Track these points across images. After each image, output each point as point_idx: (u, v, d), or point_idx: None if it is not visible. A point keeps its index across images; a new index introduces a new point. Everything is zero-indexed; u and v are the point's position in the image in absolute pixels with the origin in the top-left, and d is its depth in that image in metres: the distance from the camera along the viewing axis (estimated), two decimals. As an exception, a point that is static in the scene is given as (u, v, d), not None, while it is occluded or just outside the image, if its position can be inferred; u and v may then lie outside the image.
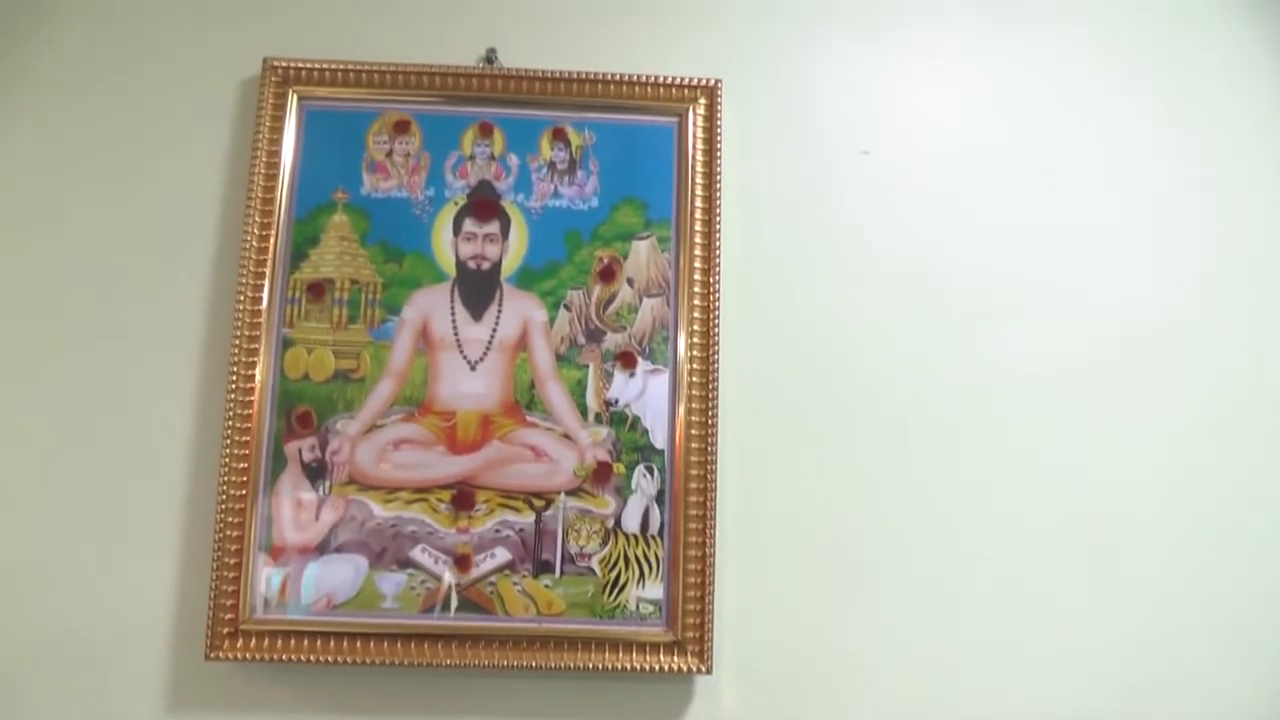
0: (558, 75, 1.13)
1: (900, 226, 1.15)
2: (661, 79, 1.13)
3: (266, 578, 1.03)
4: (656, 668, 1.02)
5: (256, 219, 1.10)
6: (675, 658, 1.02)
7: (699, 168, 1.11)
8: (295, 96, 1.13)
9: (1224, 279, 1.18)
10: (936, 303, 1.14)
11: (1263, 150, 1.20)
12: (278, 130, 1.12)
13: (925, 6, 1.21)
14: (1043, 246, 1.17)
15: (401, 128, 1.13)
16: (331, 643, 1.02)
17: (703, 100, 1.13)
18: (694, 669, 1.01)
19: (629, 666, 1.02)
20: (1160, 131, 1.20)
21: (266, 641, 1.02)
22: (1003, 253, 1.16)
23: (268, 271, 1.08)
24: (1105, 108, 1.20)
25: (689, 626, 1.02)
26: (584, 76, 1.13)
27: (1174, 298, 1.17)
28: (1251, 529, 1.12)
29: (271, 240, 1.09)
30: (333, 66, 1.13)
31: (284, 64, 1.13)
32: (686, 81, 1.13)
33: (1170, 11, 1.23)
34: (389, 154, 1.12)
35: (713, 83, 1.13)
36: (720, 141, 1.12)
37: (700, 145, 1.12)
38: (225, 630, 1.01)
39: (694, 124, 1.12)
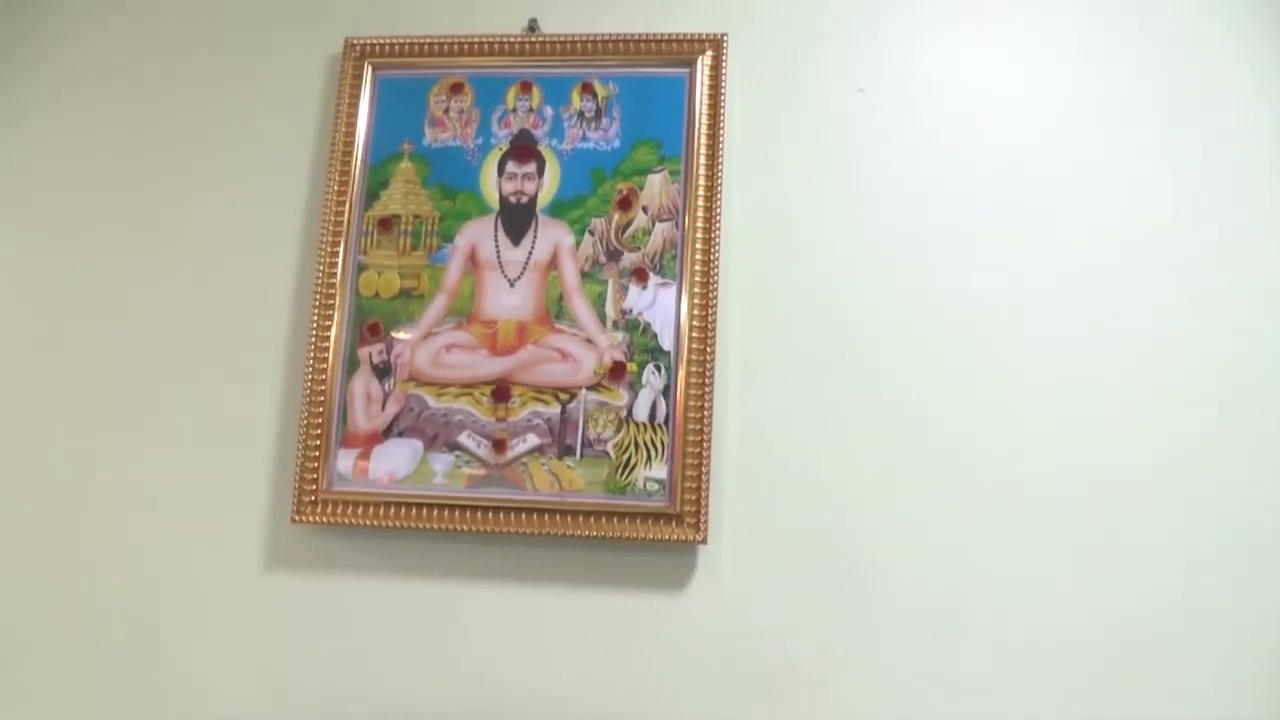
0: (586, 38, 1.37)
1: (892, 155, 1.33)
2: (673, 36, 1.35)
3: (342, 457, 1.29)
4: (660, 537, 1.22)
5: (338, 168, 1.38)
6: (676, 528, 1.22)
7: (705, 110, 1.32)
8: (370, 68, 1.41)
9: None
10: (924, 232, 1.31)
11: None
12: (355, 96, 1.40)
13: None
14: (1042, 185, 1.31)
15: (456, 89, 1.39)
16: (392, 510, 1.27)
17: (710, 52, 1.34)
18: (692, 539, 1.21)
19: (636, 536, 1.23)
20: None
21: (341, 508, 1.28)
22: (993, 193, 1.32)
23: (346, 210, 1.36)
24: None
25: (688, 502, 1.22)
26: (608, 38, 1.37)
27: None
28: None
29: (350, 185, 1.37)
30: (401, 41, 1.41)
31: (361, 42, 1.42)
32: (695, 36, 1.35)
33: None
34: (446, 111, 1.39)
35: (719, 36, 1.34)
36: (725, 87, 1.33)
37: (707, 90, 1.33)
38: (308, 499, 1.29)
39: (702, 73, 1.34)
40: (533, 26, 1.42)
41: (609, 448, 1.26)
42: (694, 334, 1.26)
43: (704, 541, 1.22)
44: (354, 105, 1.40)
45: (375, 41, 1.42)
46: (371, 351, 1.33)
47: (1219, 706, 1.17)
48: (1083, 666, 1.19)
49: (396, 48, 1.41)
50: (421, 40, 1.41)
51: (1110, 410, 1.24)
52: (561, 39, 1.38)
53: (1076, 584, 1.20)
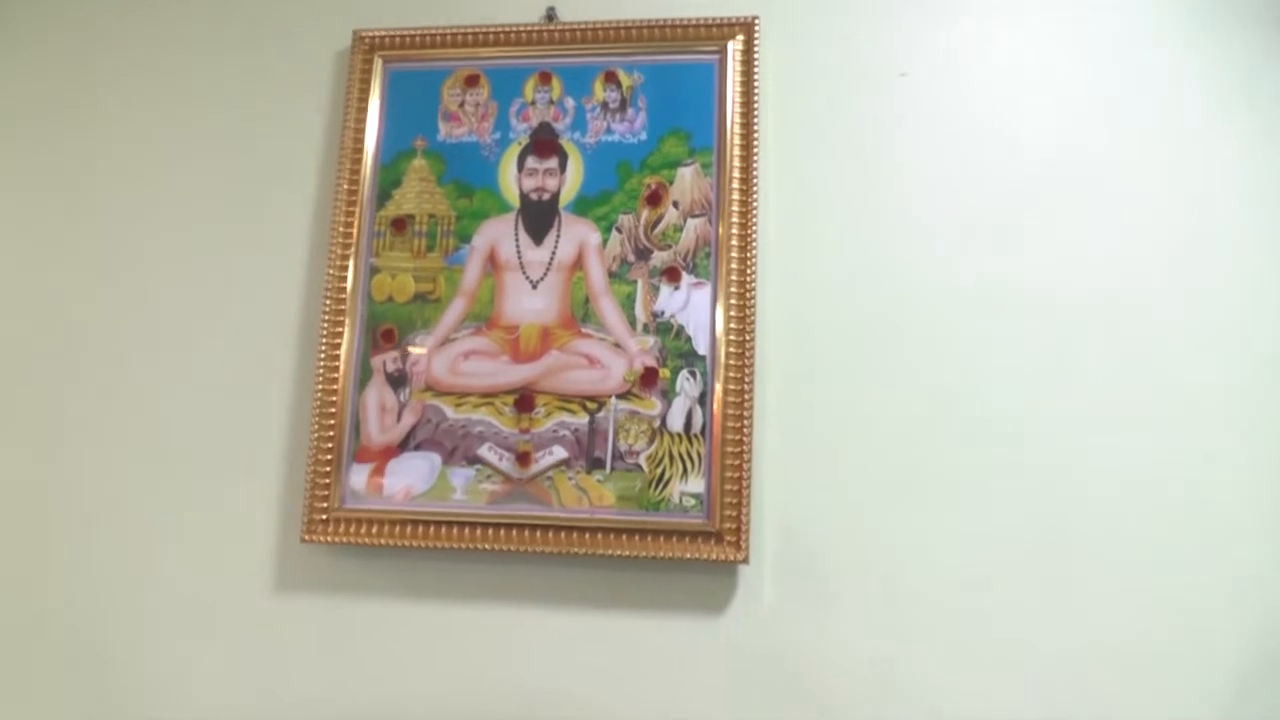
0: (608, 24, 1.33)
1: (932, 148, 1.28)
2: (701, 19, 1.31)
3: (355, 472, 1.25)
4: (697, 556, 1.17)
5: (347, 167, 1.34)
6: (715, 547, 1.17)
7: (738, 98, 1.28)
8: (380, 61, 1.37)
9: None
10: (965, 218, 1.26)
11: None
12: (365, 91, 1.37)
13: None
14: (1090, 166, 1.26)
15: (472, 81, 1.35)
16: (409, 529, 1.22)
17: (741, 35, 1.30)
18: (732, 558, 1.16)
19: (671, 555, 1.17)
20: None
21: (354, 527, 1.23)
22: (1040, 177, 1.26)
23: (357, 210, 1.32)
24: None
25: (727, 519, 1.17)
26: (631, 24, 1.32)
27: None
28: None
29: (360, 183, 1.33)
30: (412, 33, 1.37)
31: (370, 35, 1.38)
32: (725, 20, 1.30)
33: None
34: (461, 104, 1.35)
35: (750, 19, 1.30)
36: (758, 73, 1.29)
37: (739, 78, 1.29)
38: (319, 518, 1.24)
39: (733, 59, 1.29)
40: (550, 15, 1.38)
41: (641, 460, 1.21)
42: (731, 337, 1.21)
43: (745, 561, 1.16)
44: (364, 100, 1.36)
45: (385, 34, 1.38)
46: (385, 359, 1.28)
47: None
48: (1129, 680, 1.13)
49: (407, 40, 1.38)
50: (433, 31, 1.37)
51: (1167, 401, 1.18)
52: (582, 27, 1.34)
53: (1136, 597, 1.14)
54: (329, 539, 1.24)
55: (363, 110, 1.36)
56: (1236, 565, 1.15)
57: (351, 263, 1.31)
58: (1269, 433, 1.18)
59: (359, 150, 1.34)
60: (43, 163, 1.44)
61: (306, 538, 1.24)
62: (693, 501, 1.19)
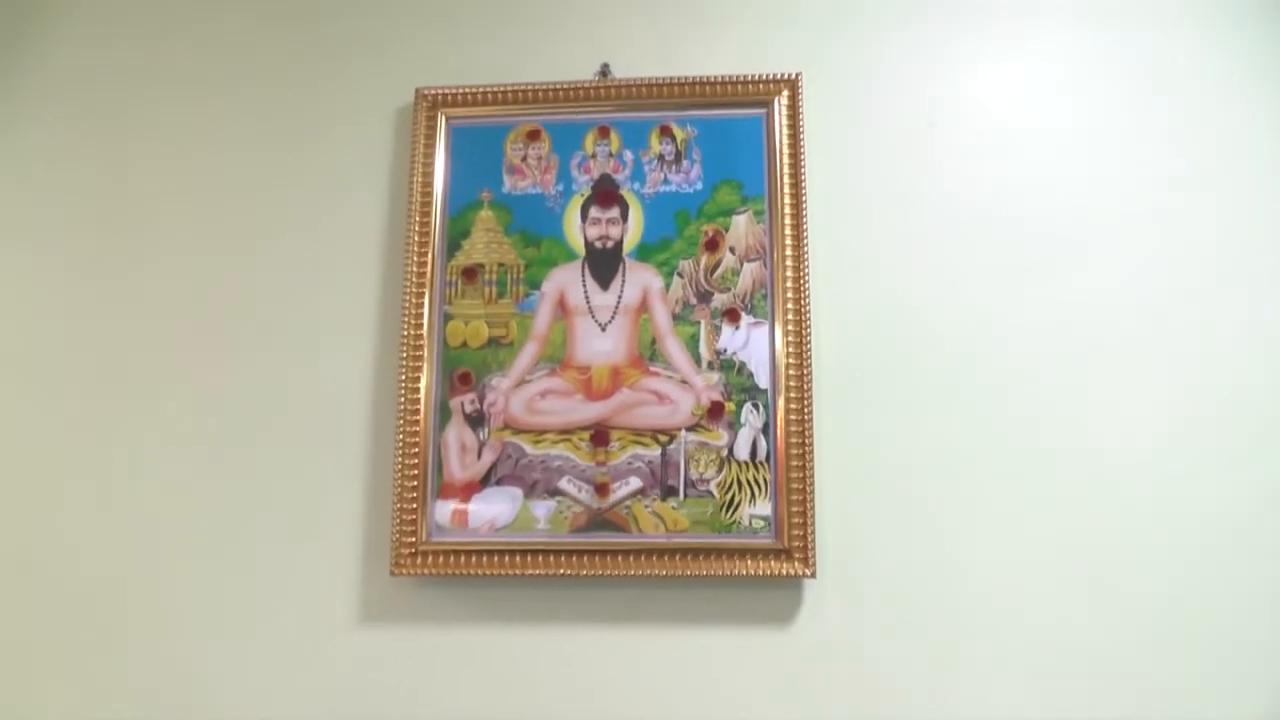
0: (661, 81, 1.47)
1: (967, 190, 1.44)
2: (749, 76, 1.45)
3: (440, 507, 1.36)
4: (768, 573, 1.30)
5: (417, 219, 1.46)
6: (784, 564, 1.31)
7: (786, 150, 1.42)
8: (443, 117, 1.50)
9: None
10: (1002, 257, 1.41)
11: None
12: (430, 146, 1.48)
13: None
14: (1119, 205, 1.42)
15: (533, 136, 1.48)
16: (495, 559, 1.34)
17: (785, 92, 1.44)
18: (800, 573, 1.30)
19: (744, 573, 1.31)
20: (1247, 109, 1.44)
21: (441, 559, 1.35)
22: (1074, 214, 1.42)
23: (429, 261, 1.44)
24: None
25: (794, 537, 1.31)
26: (683, 80, 1.46)
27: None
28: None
29: (431, 235, 1.45)
30: (473, 90, 1.50)
31: (432, 92, 1.50)
32: (770, 77, 1.45)
33: None
34: (524, 158, 1.48)
35: (794, 76, 1.45)
36: (803, 126, 1.43)
37: (786, 130, 1.43)
38: (407, 551, 1.35)
39: (779, 113, 1.44)
40: (605, 71, 1.52)
41: (712, 487, 1.34)
42: (790, 370, 1.35)
43: (813, 575, 1.30)
44: (429, 155, 1.48)
45: (446, 91, 1.50)
46: (463, 401, 1.40)
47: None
48: (1190, 696, 1.28)
49: (468, 96, 1.50)
50: (493, 89, 1.50)
51: (1209, 429, 1.34)
52: (636, 83, 1.48)
53: (1187, 621, 1.30)
54: (417, 571, 1.35)
55: (429, 164, 1.48)
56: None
57: (426, 310, 1.43)
58: None
59: (428, 203, 1.47)
60: (124, 224, 1.54)
61: (395, 571, 1.35)
62: (761, 523, 1.32)
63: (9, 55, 1.62)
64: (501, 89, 1.50)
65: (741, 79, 1.46)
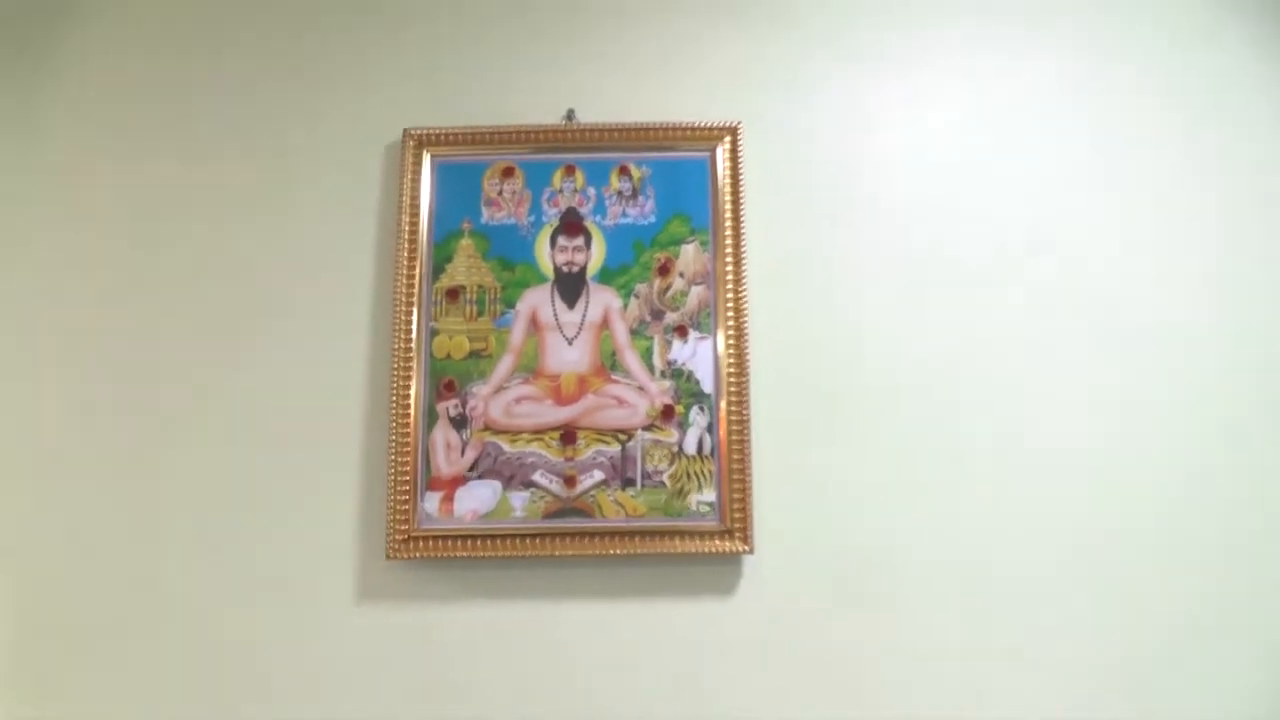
0: (620, 126, 1.70)
1: (890, 224, 1.69)
2: (696, 124, 1.69)
3: (429, 499, 1.58)
4: (713, 550, 1.54)
5: (405, 245, 1.67)
6: (726, 542, 1.54)
7: (727, 187, 1.66)
8: (428, 155, 1.71)
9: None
10: (917, 275, 1.66)
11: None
12: (416, 181, 1.70)
13: (912, 50, 1.75)
14: (1021, 246, 1.68)
15: (508, 173, 1.70)
16: (478, 543, 1.56)
17: (727, 138, 1.68)
18: (740, 550, 1.53)
19: (693, 551, 1.54)
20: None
21: (431, 544, 1.56)
22: (978, 242, 1.68)
23: (416, 282, 1.66)
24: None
25: (735, 519, 1.54)
26: (639, 126, 1.70)
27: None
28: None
29: (418, 260, 1.66)
30: (454, 131, 1.71)
31: (418, 132, 1.72)
32: (715, 125, 1.69)
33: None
34: (500, 193, 1.70)
35: (735, 124, 1.69)
36: (743, 167, 1.67)
37: (728, 171, 1.67)
38: (400, 538, 1.56)
39: (722, 156, 1.68)
40: (570, 115, 1.74)
41: (665, 478, 1.57)
42: (730, 378, 1.59)
43: (751, 552, 1.54)
44: (415, 188, 1.70)
45: (431, 131, 1.72)
46: (448, 406, 1.62)
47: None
48: (1090, 666, 1.54)
49: (451, 136, 1.72)
50: (473, 130, 1.72)
51: (1115, 422, 1.61)
52: (598, 127, 1.71)
53: (1088, 588, 1.56)
54: (409, 555, 1.56)
55: (415, 197, 1.69)
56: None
57: (415, 326, 1.64)
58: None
59: (414, 231, 1.68)
60: (136, 253, 1.73)
61: (390, 555, 1.56)
62: (707, 508, 1.56)
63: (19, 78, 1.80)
64: (480, 131, 1.72)
65: (690, 126, 1.69)
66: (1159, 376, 1.64)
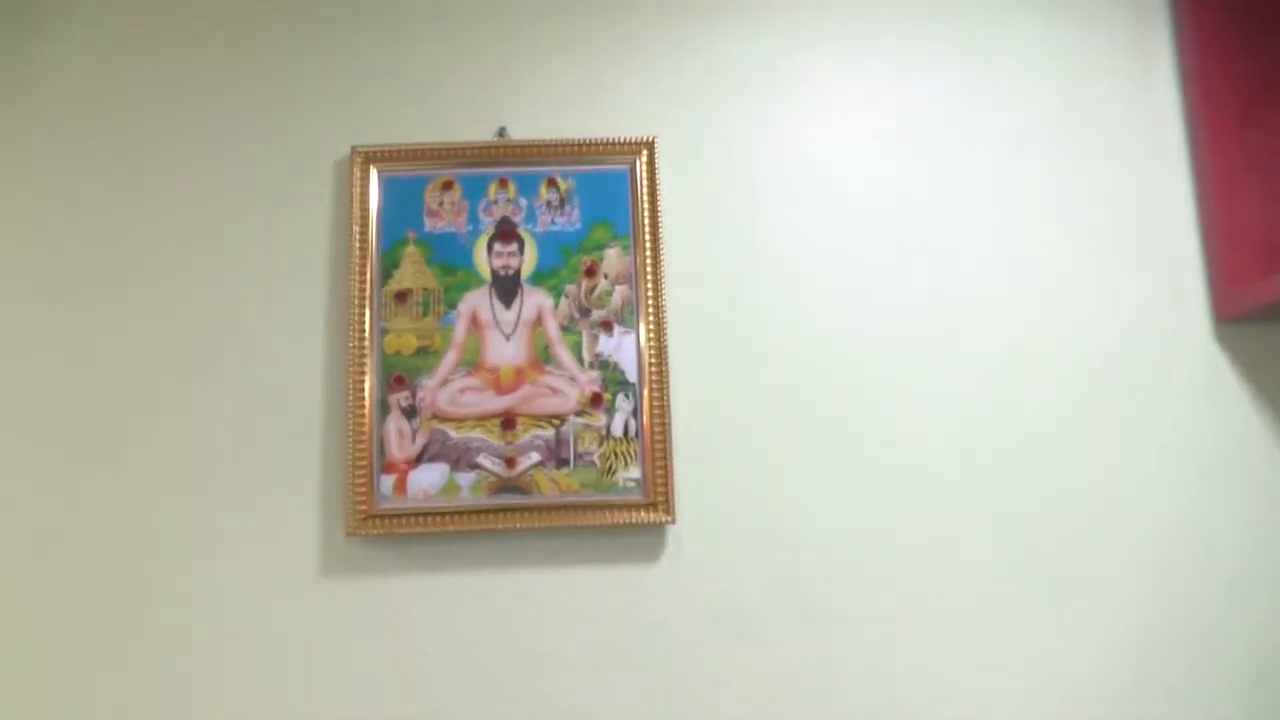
0: (547, 142, 1.89)
1: (794, 223, 1.90)
2: (616, 139, 1.89)
3: (384, 481, 1.77)
4: (638, 522, 1.75)
5: (356, 254, 1.85)
6: (650, 514, 1.76)
7: (646, 196, 1.87)
8: (375, 170, 1.89)
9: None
10: (822, 268, 1.88)
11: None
12: (365, 194, 1.88)
13: (807, 68, 1.97)
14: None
15: (448, 186, 1.89)
16: (429, 520, 1.76)
17: (645, 151, 1.89)
18: (663, 521, 1.75)
19: (621, 522, 1.75)
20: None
21: (387, 522, 1.76)
22: (877, 238, 1.90)
23: (367, 287, 1.84)
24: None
25: (658, 493, 1.76)
26: (565, 142, 1.89)
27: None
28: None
29: (368, 266, 1.85)
30: (398, 148, 1.90)
31: (365, 149, 1.90)
32: (633, 139, 1.89)
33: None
34: (440, 204, 1.88)
35: (651, 138, 1.89)
36: (659, 179, 1.88)
37: (646, 181, 1.87)
38: (360, 517, 1.76)
39: (641, 168, 1.88)
40: (501, 132, 1.93)
41: (595, 458, 1.78)
42: (651, 367, 1.80)
43: (673, 522, 1.75)
44: (364, 201, 1.88)
45: (377, 149, 1.90)
46: (399, 398, 1.81)
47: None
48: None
49: (395, 153, 1.90)
50: (415, 147, 1.90)
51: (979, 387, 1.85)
52: (527, 144, 1.90)
53: (972, 537, 1.80)
54: (368, 533, 1.76)
55: (365, 209, 1.87)
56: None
57: (367, 326, 1.83)
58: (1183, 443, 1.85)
59: (365, 240, 1.86)
60: (95, 245, 1.89)
61: (350, 533, 1.75)
62: (633, 484, 1.77)
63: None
64: (422, 147, 1.90)
65: (611, 141, 1.89)
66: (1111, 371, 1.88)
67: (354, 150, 1.90)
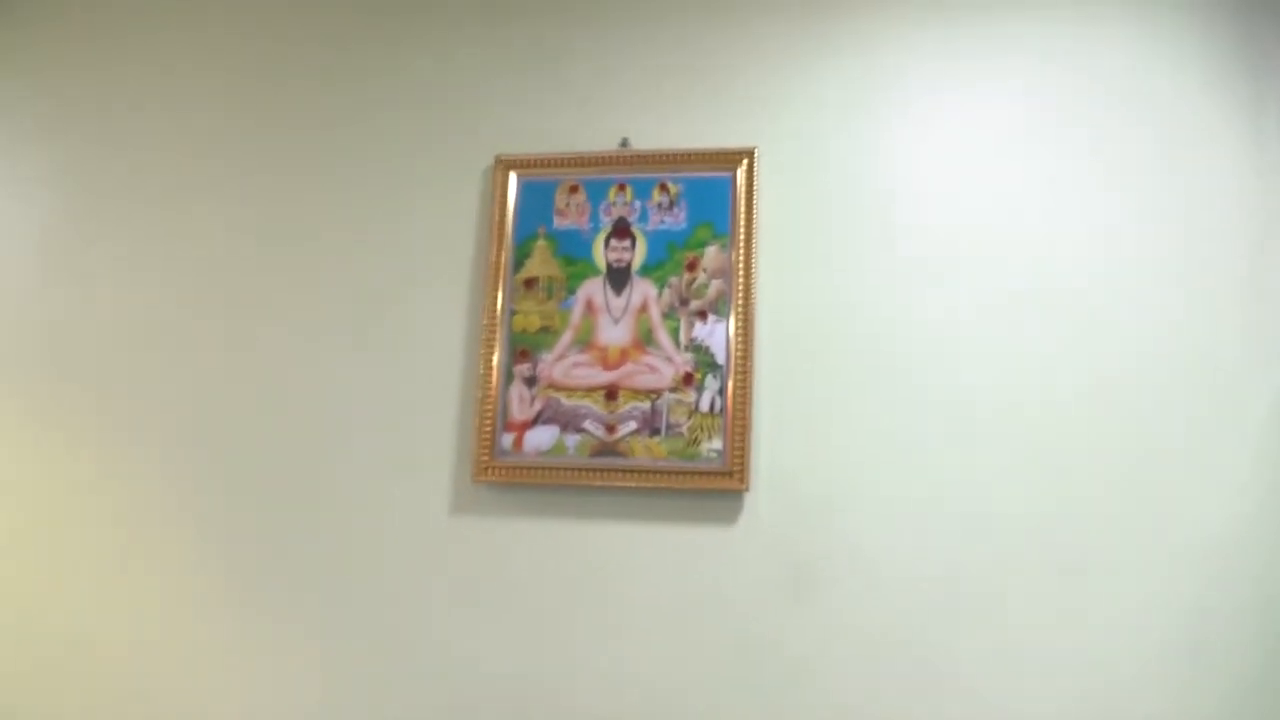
0: (660, 152, 2.18)
1: (882, 228, 2.10)
2: (720, 149, 2.15)
3: (504, 438, 2.10)
4: (718, 488, 2.00)
5: (495, 245, 2.20)
6: (728, 481, 2.00)
7: (744, 201, 2.12)
8: (514, 175, 2.23)
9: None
10: (899, 267, 2.07)
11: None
12: (504, 195, 2.23)
13: (914, 90, 2.16)
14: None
15: (574, 189, 2.21)
16: (540, 473, 2.08)
17: (745, 160, 2.14)
18: (739, 488, 1.99)
19: (703, 487, 2.01)
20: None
21: (505, 472, 2.09)
22: (950, 234, 2.08)
23: (501, 274, 2.18)
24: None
25: (735, 463, 2.00)
26: (675, 152, 2.17)
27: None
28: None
29: (503, 255, 2.19)
30: (534, 157, 2.23)
31: (507, 158, 2.24)
32: (734, 149, 2.15)
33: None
34: (568, 204, 2.20)
35: (751, 149, 2.14)
36: (757, 185, 2.12)
37: (744, 187, 2.12)
38: (484, 464, 2.10)
39: (741, 175, 2.13)
40: (624, 143, 2.23)
41: (683, 430, 2.04)
42: (738, 353, 2.05)
43: (748, 490, 1.99)
44: (504, 201, 2.22)
45: (516, 157, 2.24)
46: (522, 369, 2.14)
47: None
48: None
49: (531, 161, 2.24)
50: (548, 156, 2.23)
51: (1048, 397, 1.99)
52: (643, 154, 2.19)
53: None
54: (489, 479, 2.09)
55: (504, 208, 2.22)
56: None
57: (499, 308, 2.17)
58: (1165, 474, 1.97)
59: (502, 234, 2.21)
60: (276, 241, 2.33)
61: (476, 479, 2.09)
62: (714, 454, 2.02)
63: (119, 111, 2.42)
64: (554, 156, 2.23)
65: (715, 151, 2.16)
66: (1142, 368, 1.99)
67: (497, 158, 2.25)
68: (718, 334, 2.08)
